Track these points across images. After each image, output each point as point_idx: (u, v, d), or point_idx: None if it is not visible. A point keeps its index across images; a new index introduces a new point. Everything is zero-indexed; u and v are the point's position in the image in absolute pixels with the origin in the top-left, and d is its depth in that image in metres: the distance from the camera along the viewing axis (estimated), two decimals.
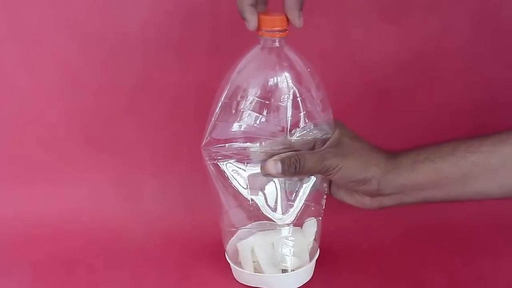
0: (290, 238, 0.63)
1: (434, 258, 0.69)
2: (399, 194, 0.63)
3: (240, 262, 0.65)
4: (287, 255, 0.63)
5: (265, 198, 0.62)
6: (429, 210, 0.70)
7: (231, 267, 0.66)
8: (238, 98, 0.59)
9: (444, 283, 0.65)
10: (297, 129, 0.60)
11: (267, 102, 0.59)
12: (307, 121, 0.60)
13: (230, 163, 0.61)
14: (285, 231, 0.63)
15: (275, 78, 0.59)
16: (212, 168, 0.62)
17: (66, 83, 0.75)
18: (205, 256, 0.70)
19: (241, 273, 0.65)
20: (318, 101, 0.61)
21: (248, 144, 0.61)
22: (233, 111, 0.59)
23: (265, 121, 0.59)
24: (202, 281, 0.66)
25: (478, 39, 0.75)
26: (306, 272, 0.65)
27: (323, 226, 0.65)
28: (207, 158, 0.61)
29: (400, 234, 0.74)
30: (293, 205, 0.62)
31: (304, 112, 0.60)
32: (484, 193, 0.63)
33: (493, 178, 0.61)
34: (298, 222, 0.63)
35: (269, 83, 0.59)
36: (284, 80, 0.59)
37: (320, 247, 0.66)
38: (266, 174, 0.61)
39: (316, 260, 0.65)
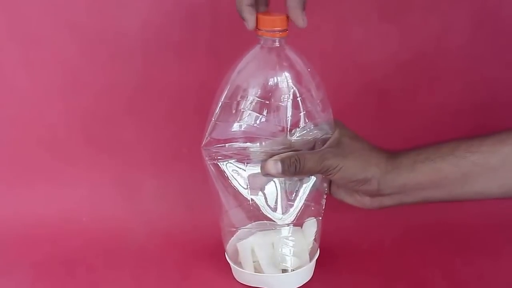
0: (290, 238, 0.63)
1: (434, 258, 0.69)
2: (399, 194, 0.63)
3: (240, 262, 0.65)
4: (287, 255, 0.63)
5: (265, 198, 0.62)
6: (429, 210, 0.70)
7: (231, 267, 0.66)
8: (238, 98, 0.59)
9: (444, 283, 0.65)
10: (297, 129, 0.60)
11: (267, 102, 0.59)
12: (307, 121, 0.60)
13: (230, 163, 0.61)
14: (285, 231, 0.63)
15: (275, 78, 0.59)
16: (212, 168, 0.62)
17: (66, 83, 0.75)
18: (205, 256, 0.70)
19: (241, 273, 0.65)
20: (318, 101, 0.61)
21: (248, 144, 0.61)
22: (233, 111, 0.59)
23: (265, 121, 0.59)
24: (202, 281, 0.66)
25: (478, 39, 0.75)
26: (306, 272, 0.65)
27: (323, 226, 0.65)
28: (207, 158, 0.61)
29: (400, 234, 0.74)
30: (293, 205, 0.62)
31: (304, 112, 0.60)
32: (484, 193, 0.63)
33: (493, 178, 0.61)
34: (298, 222, 0.63)
35: (269, 83, 0.59)
36: (284, 80, 0.59)
37: (320, 247, 0.66)
38: (266, 174, 0.61)
39: (316, 260, 0.65)
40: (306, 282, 0.65)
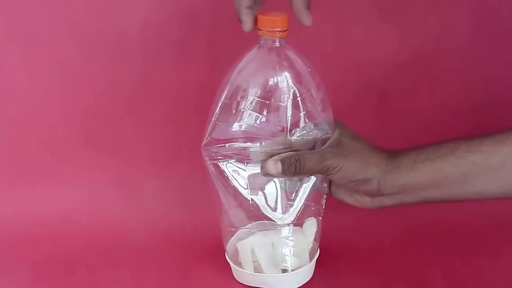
0: (290, 238, 0.63)
1: (434, 258, 0.69)
2: (399, 194, 0.63)
3: (240, 262, 0.65)
4: (287, 255, 0.63)
5: (265, 198, 0.62)
6: (429, 210, 0.70)
7: (231, 267, 0.66)
8: (238, 98, 0.59)
9: (444, 283, 0.65)
10: (297, 129, 0.60)
11: (267, 102, 0.59)
12: (307, 121, 0.60)
13: (230, 163, 0.61)
14: (285, 231, 0.63)
15: (275, 78, 0.59)
16: (212, 168, 0.62)
17: (66, 83, 0.75)
18: (205, 256, 0.70)
19: (241, 273, 0.65)
20: (318, 101, 0.61)
21: (248, 144, 0.61)
22: (233, 111, 0.59)
23: (265, 121, 0.59)
24: (202, 281, 0.66)
25: (477, 39, 0.75)
26: (306, 272, 0.65)
27: (323, 226, 0.65)
28: (207, 158, 0.61)
29: (400, 234, 0.74)
30: (293, 204, 0.62)
31: (304, 112, 0.60)
32: (484, 193, 0.63)
33: (493, 178, 0.61)
34: (298, 222, 0.63)
35: (269, 83, 0.59)
36: (284, 80, 0.59)
37: (320, 247, 0.66)
38: (266, 174, 0.61)
39: (316, 260, 0.65)
40: (306, 282, 0.65)
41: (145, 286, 0.66)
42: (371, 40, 0.75)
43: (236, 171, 0.61)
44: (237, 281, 0.66)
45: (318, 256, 0.65)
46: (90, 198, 0.78)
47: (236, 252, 0.65)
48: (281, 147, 0.61)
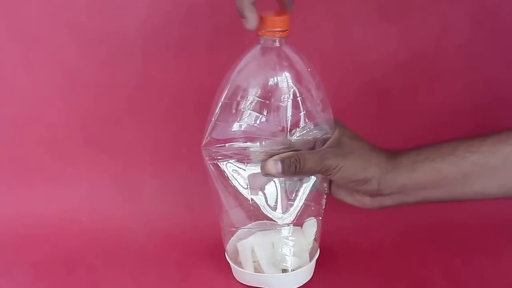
0: (290, 238, 0.63)
1: (434, 258, 0.69)
2: (399, 194, 0.63)
3: (240, 262, 0.65)
4: (287, 255, 0.63)
5: (265, 198, 0.62)
6: (429, 210, 0.70)
7: (231, 267, 0.66)
8: (238, 98, 0.59)
9: (444, 282, 0.65)
10: (297, 129, 0.60)
11: (267, 102, 0.59)
12: (307, 121, 0.60)
13: (230, 163, 0.61)
14: (285, 231, 0.63)
15: (275, 78, 0.59)
16: (212, 168, 0.62)
17: (66, 83, 0.75)
18: (205, 256, 0.70)
19: (241, 273, 0.65)
20: (318, 101, 0.61)
21: (248, 144, 0.61)
22: (233, 111, 0.59)
23: (265, 121, 0.59)
24: (202, 281, 0.66)
25: (477, 39, 0.75)
26: (306, 272, 0.65)
27: (323, 226, 0.65)
28: (207, 158, 0.61)
29: (400, 234, 0.74)
30: (293, 204, 0.62)
31: (304, 112, 0.60)
32: (484, 193, 0.63)
33: (493, 178, 0.61)
34: (298, 222, 0.63)
35: (269, 83, 0.59)
36: (284, 80, 0.59)
37: (320, 247, 0.66)
38: (266, 174, 0.61)
39: (316, 260, 0.65)
40: (306, 282, 0.65)
41: (145, 286, 0.66)
42: (371, 40, 0.75)
43: (236, 171, 0.61)
44: (237, 281, 0.66)
45: (318, 256, 0.65)
46: (90, 198, 0.78)
47: (236, 252, 0.65)
48: (281, 147, 0.61)
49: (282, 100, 0.59)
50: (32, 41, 0.74)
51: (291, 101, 0.59)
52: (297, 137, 0.61)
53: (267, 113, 0.59)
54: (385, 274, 0.67)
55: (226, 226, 0.65)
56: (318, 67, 0.61)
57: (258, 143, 0.61)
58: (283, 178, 0.62)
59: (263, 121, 0.60)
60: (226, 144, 0.61)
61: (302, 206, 0.63)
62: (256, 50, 0.59)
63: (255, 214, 0.63)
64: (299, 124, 0.60)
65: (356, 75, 0.76)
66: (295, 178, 0.62)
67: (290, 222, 0.62)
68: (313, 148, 0.62)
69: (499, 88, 0.77)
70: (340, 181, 0.62)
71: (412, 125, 0.78)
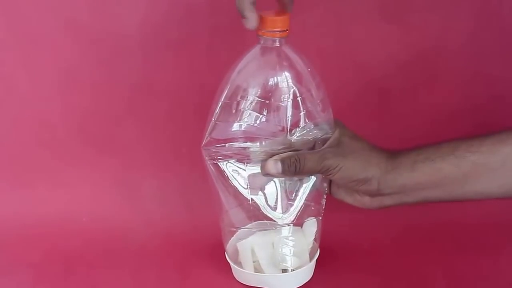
0: (290, 238, 0.63)
1: (434, 258, 0.69)
2: (399, 194, 0.63)
3: (240, 262, 0.65)
4: (287, 255, 0.63)
5: (265, 198, 0.62)
6: (429, 210, 0.70)
7: (231, 267, 0.66)
8: (238, 98, 0.59)
9: (444, 282, 0.65)
10: (297, 129, 0.60)
11: (267, 102, 0.59)
12: (307, 120, 0.60)
13: (230, 163, 0.61)
14: (285, 231, 0.63)
15: (275, 77, 0.59)
16: (212, 168, 0.62)
17: (66, 83, 0.75)
18: (205, 256, 0.70)
19: (241, 273, 0.65)
20: (318, 100, 0.61)
21: (248, 144, 0.61)
22: (233, 111, 0.59)
23: (265, 121, 0.59)
24: (202, 281, 0.66)
25: (478, 38, 0.75)
26: (306, 272, 0.65)
27: (323, 226, 0.65)
28: (207, 158, 0.61)
29: (400, 234, 0.74)
30: (293, 204, 0.62)
31: (304, 112, 0.60)
32: (484, 193, 0.63)
33: (493, 178, 0.61)
34: (298, 222, 0.63)
35: (269, 83, 0.59)
36: (284, 80, 0.59)
37: (320, 247, 0.66)
38: (266, 174, 0.61)
39: (316, 260, 0.65)
40: (306, 282, 0.65)
41: (145, 286, 0.66)
42: (371, 40, 0.75)
43: (236, 171, 0.61)
44: (237, 281, 0.66)
45: (318, 256, 0.65)
46: (90, 198, 0.78)
47: (236, 252, 0.65)
48: (281, 147, 0.61)
49: (282, 100, 0.59)
50: (32, 41, 0.74)
51: (291, 101, 0.59)
52: (297, 137, 0.61)
53: (267, 113, 0.59)
54: (385, 274, 0.67)
55: (226, 226, 0.65)
56: (318, 67, 0.61)
57: (258, 143, 0.61)
58: (283, 178, 0.62)
59: (263, 121, 0.60)
60: (226, 144, 0.61)
61: (302, 206, 0.63)
62: (256, 50, 0.59)
63: (255, 214, 0.63)
64: (299, 124, 0.60)
65: (356, 75, 0.76)
66: (295, 178, 0.62)
67: (290, 222, 0.62)
68: (313, 148, 0.62)
69: (499, 88, 0.77)
70: (340, 181, 0.62)
71: (412, 125, 0.78)
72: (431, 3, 0.74)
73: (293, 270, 0.63)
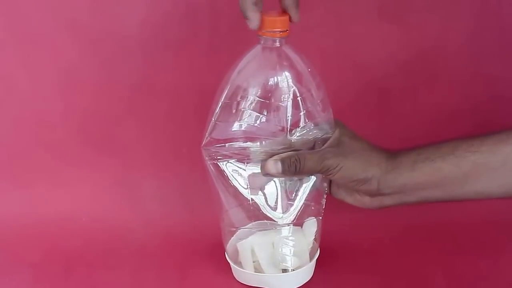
0: (290, 238, 0.63)
1: (434, 258, 0.69)
2: (399, 194, 0.63)
3: (240, 262, 0.65)
4: (287, 255, 0.63)
5: (265, 198, 0.62)
6: (429, 210, 0.70)
7: (231, 267, 0.66)
8: (238, 98, 0.59)
9: (444, 282, 0.65)
10: (297, 129, 0.60)
11: (267, 101, 0.59)
12: (307, 120, 0.60)
13: (230, 163, 0.61)
14: (285, 231, 0.63)
15: (275, 77, 0.59)
16: (212, 168, 0.62)
17: (66, 83, 0.75)
18: (205, 256, 0.70)
19: (241, 273, 0.65)
20: (318, 100, 0.61)
21: (248, 143, 0.61)
22: (233, 111, 0.59)
23: (265, 120, 0.59)
24: (202, 281, 0.66)
25: (478, 38, 0.75)
26: (306, 272, 0.65)
27: (323, 226, 0.65)
28: (207, 158, 0.61)
29: (400, 234, 0.74)
30: (293, 204, 0.62)
31: (304, 112, 0.60)
32: (484, 192, 0.63)
33: (493, 177, 0.61)
34: (298, 222, 0.63)
35: (269, 83, 0.59)
36: (284, 80, 0.59)
37: (320, 247, 0.66)
38: (266, 174, 0.61)
39: (316, 260, 0.65)
40: (306, 282, 0.65)
41: (145, 286, 0.66)
42: (371, 40, 0.75)
43: (236, 171, 0.61)
44: (237, 281, 0.66)
45: (318, 256, 0.65)
46: (90, 198, 0.78)
47: (236, 252, 0.65)
48: (281, 147, 0.61)
49: (282, 100, 0.59)
50: (32, 41, 0.74)
51: (291, 101, 0.59)
52: (297, 137, 0.61)
53: (267, 113, 0.59)
54: (385, 273, 0.67)
55: (226, 226, 0.65)
56: (318, 67, 0.61)
57: (258, 143, 0.61)
58: (283, 178, 0.62)
59: (263, 121, 0.59)
60: (226, 144, 0.61)
61: (302, 206, 0.63)
62: (256, 50, 0.59)
63: (255, 214, 0.63)
64: (299, 124, 0.60)
65: (356, 75, 0.76)
66: (295, 178, 0.62)
67: (290, 222, 0.62)
68: (313, 148, 0.62)
69: (499, 88, 0.77)
70: (340, 181, 0.62)
71: (412, 125, 0.78)
72: (431, 3, 0.74)
73: (293, 270, 0.63)
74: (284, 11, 0.58)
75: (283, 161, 0.59)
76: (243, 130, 0.60)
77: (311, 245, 0.64)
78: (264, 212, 0.62)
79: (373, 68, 0.76)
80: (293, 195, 0.62)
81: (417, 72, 0.76)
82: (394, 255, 0.70)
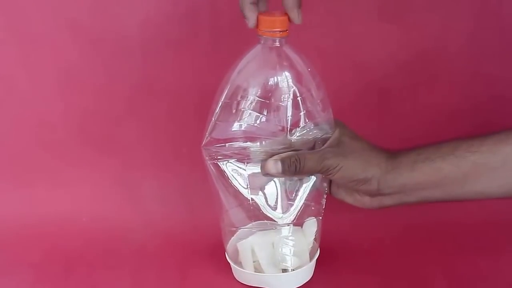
0: (290, 238, 0.63)
1: (434, 258, 0.69)
2: (399, 194, 0.63)
3: (240, 262, 0.65)
4: (287, 255, 0.63)
5: (265, 198, 0.62)
6: (429, 210, 0.70)
7: (232, 266, 0.66)
8: (238, 98, 0.59)
9: (444, 282, 0.65)
10: (297, 129, 0.60)
11: (268, 101, 0.59)
12: (307, 120, 0.60)
13: (230, 162, 0.61)
14: (285, 231, 0.63)
15: (275, 77, 0.59)
16: (212, 167, 0.62)
17: (66, 83, 0.75)
18: (205, 256, 0.70)
19: (242, 273, 0.65)
20: (318, 100, 0.61)
21: (248, 143, 0.61)
22: (233, 111, 0.59)
23: (265, 120, 0.59)
24: (202, 281, 0.66)
25: (478, 38, 0.75)
26: (306, 271, 0.65)
27: (323, 226, 0.65)
28: (207, 158, 0.61)
29: (400, 234, 0.74)
30: (293, 204, 0.62)
31: (304, 112, 0.60)
32: (484, 193, 0.63)
33: (493, 178, 0.61)
34: (298, 222, 0.63)
35: (269, 83, 0.59)
36: (284, 80, 0.59)
37: (320, 247, 0.66)
38: (266, 174, 0.61)
39: (316, 259, 0.65)
40: (306, 282, 0.65)
41: (145, 286, 0.66)
42: (371, 40, 0.75)
43: (236, 170, 0.61)
44: (237, 281, 0.66)
45: (318, 256, 0.65)
46: (90, 198, 0.78)
47: (236, 252, 0.65)
48: (281, 146, 0.61)
49: (282, 100, 0.59)
50: (32, 41, 0.74)
51: (291, 101, 0.59)
52: (297, 137, 0.61)
53: (267, 113, 0.59)
54: (385, 274, 0.67)
55: (226, 226, 0.65)
56: (318, 67, 0.61)
57: (258, 143, 0.61)
58: (283, 178, 0.62)
59: (263, 121, 0.59)
60: (226, 144, 0.61)
61: (302, 206, 0.63)
62: (256, 50, 0.59)
63: (255, 214, 0.63)
64: (299, 124, 0.60)
65: (356, 75, 0.76)
66: (295, 178, 0.62)
67: (290, 222, 0.62)
68: (313, 148, 0.62)
69: (499, 88, 0.77)
70: (340, 181, 0.62)
71: (412, 125, 0.78)
72: (431, 3, 0.74)
73: (293, 270, 0.63)
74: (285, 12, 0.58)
75: (283, 161, 0.59)
76: (243, 130, 0.60)
77: (311, 245, 0.64)
78: (264, 212, 0.62)
79: (373, 68, 0.76)
80: (293, 195, 0.62)
81: (417, 72, 0.76)
82: (394, 255, 0.70)
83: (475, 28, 0.75)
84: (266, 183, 0.62)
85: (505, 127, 0.62)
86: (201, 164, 0.62)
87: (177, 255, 0.70)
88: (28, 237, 0.73)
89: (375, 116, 0.78)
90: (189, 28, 0.73)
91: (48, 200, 0.77)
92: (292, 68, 0.59)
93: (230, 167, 0.61)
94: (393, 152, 0.64)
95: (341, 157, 0.60)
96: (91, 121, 0.77)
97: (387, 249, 0.71)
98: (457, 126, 0.75)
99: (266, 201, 0.62)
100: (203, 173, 0.63)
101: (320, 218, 0.64)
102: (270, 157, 0.60)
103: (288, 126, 0.60)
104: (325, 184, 0.64)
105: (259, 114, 0.59)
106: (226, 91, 0.59)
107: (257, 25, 0.58)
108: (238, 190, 0.62)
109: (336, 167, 0.60)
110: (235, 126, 0.60)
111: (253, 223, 0.64)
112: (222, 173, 0.62)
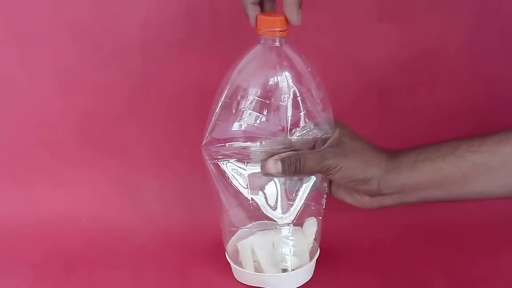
0: (290, 238, 0.63)
1: (434, 258, 0.69)
2: (399, 194, 0.63)
3: (240, 262, 0.65)
4: (287, 255, 0.63)
5: (265, 198, 0.62)
6: (429, 210, 0.70)
7: (232, 266, 0.66)
8: (239, 98, 0.59)
9: (444, 282, 0.65)
10: (297, 129, 0.60)
11: (268, 101, 0.59)
12: (307, 120, 0.60)
13: (231, 162, 0.61)
14: (285, 231, 0.63)
15: (275, 77, 0.59)
16: (212, 167, 0.62)
17: (66, 83, 0.75)
18: (205, 256, 0.70)
19: (242, 273, 0.65)
20: (318, 100, 0.61)
21: (249, 143, 0.61)
22: (234, 111, 0.59)
23: (265, 120, 0.59)
24: (202, 281, 0.66)
25: (478, 38, 0.75)
26: (306, 271, 0.65)
27: (323, 225, 0.65)
28: (207, 158, 0.61)
29: (400, 234, 0.74)
30: (293, 204, 0.62)
31: (304, 112, 0.60)
32: (484, 193, 0.63)
33: (493, 178, 0.61)
34: (298, 222, 0.63)
35: (269, 83, 0.59)
36: (284, 80, 0.59)
37: (320, 246, 0.66)
38: (266, 174, 0.61)
39: (316, 259, 0.65)
40: (306, 282, 0.65)
41: (145, 286, 0.66)
42: (371, 40, 0.75)
43: (236, 170, 0.61)
44: (237, 281, 0.66)
45: (318, 256, 0.65)
46: (90, 198, 0.78)
47: (236, 251, 0.65)
48: (281, 146, 0.61)
49: (282, 99, 0.59)
50: (32, 41, 0.74)
51: (291, 100, 0.59)
52: (297, 136, 0.61)
53: (267, 112, 0.59)
54: (385, 273, 0.67)
55: (226, 226, 0.65)
56: (318, 67, 0.61)
57: (258, 143, 0.61)
58: (283, 178, 0.62)
59: (263, 121, 0.59)
60: (226, 144, 0.61)
61: (302, 206, 0.63)
62: (256, 50, 0.59)
63: (255, 213, 0.63)
64: (299, 123, 0.60)
65: (356, 75, 0.76)
66: (295, 178, 0.62)
67: (290, 221, 0.62)
68: (313, 147, 0.62)
69: (500, 88, 0.77)
70: (340, 180, 0.62)
71: (412, 125, 0.78)
72: (431, 3, 0.74)
73: (293, 270, 0.63)
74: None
75: (283, 161, 0.59)
76: (243, 130, 0.60)
77: (311, 245, 0.64)
78: (264, 212, 0.62)
79: (373, 68, 0.76)
80: (293, 195, 0.62)
81: (417, 72, 0.76)
82: (394, 255, 0.70)
83: (475, 28, 0.75)
84: (266, 183, 0.62)
85: (505, 127, 0.62)
86: (201, 164, 0.62)
87: (177, 255, 0.70)
88: (28, 237, 0.73)
89: (375, 116, 0.78)
90: (189, 28, 0.73)
91: (48, 200, 0.77)
92: (292, 68, 0.59)
93: (230, 167, 0.61)
94: (393, 152, 0.64)
95: (341, 157, 0.60)
96: (91, 121, 0.77)
97: (387, 249, 0.71)
98: (457, 126, 0.75)
99: (266, 201, 0.62)
100: (203, 173, 0.63)
101: (320, 218, 0.64)
102: (270, 157, 0.60)
103: (288, 126, 0.60)
104: (325, 184, 0.64)
105: (259, 114, 0.59)
106: (226, 91, 0.59)
107: (257, 25, 0.58)
108: (238, 190, 0.62)
109: (336, 167, 0.60)
110: (235, 126, 0.60)
111: (253, 223, 0.64)
112: (222, 173, 0.62)
